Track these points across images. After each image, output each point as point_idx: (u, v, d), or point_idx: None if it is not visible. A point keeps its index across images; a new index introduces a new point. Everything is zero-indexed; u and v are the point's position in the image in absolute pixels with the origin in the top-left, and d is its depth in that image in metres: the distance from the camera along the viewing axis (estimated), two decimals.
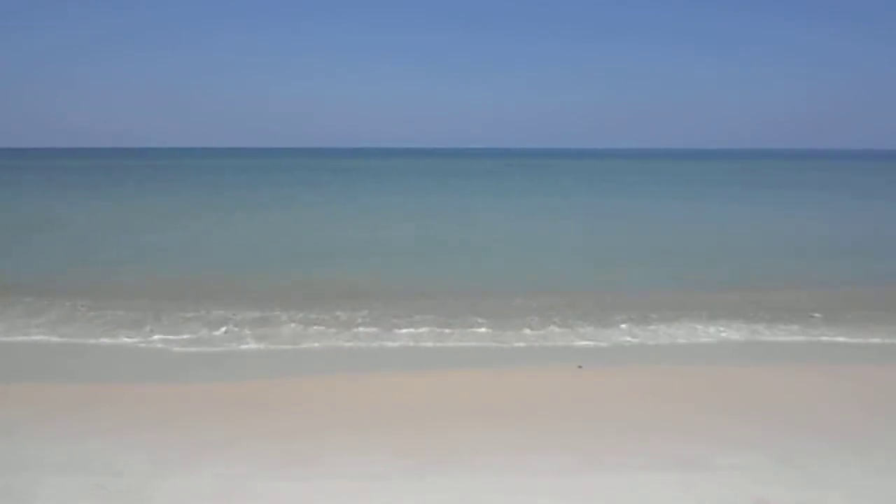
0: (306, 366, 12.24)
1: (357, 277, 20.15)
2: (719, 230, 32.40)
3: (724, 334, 14.18)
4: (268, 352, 13.06)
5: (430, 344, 13.52)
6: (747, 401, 10.16)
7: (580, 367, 12.06)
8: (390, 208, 42.84)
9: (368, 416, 9.53)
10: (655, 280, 19.81)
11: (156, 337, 13.77)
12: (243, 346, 13.30)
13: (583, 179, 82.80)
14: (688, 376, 11.56)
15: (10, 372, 11.77)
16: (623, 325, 14.70)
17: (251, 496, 7.09)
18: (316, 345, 13.46)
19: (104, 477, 7.45)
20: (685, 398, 10.35)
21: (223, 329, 14.35)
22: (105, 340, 13.57)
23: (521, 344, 13.50)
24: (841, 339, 13.82)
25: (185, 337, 13.79)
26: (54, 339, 13.68)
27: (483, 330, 14.36)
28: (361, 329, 14.43)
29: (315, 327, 14.56)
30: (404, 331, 14.26)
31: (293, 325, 14.73)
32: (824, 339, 13.82)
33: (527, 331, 14.29)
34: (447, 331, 14.26)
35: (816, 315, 15.50)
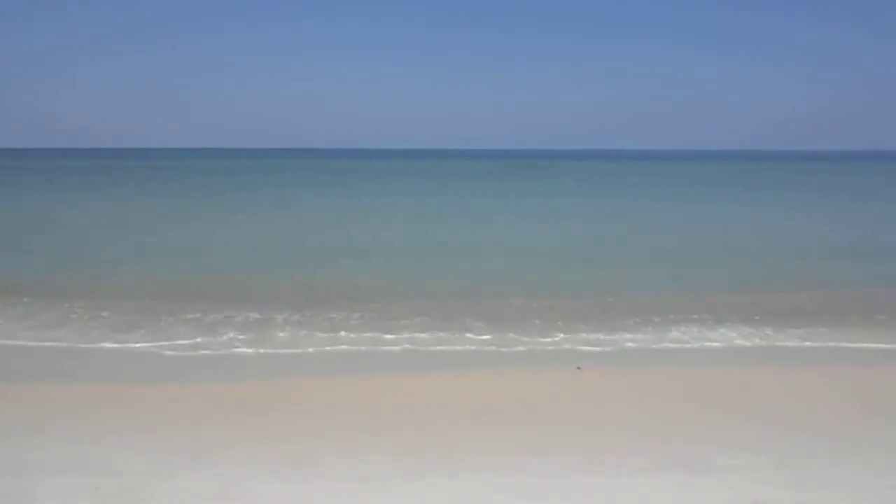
0: (306, 366, 12.24)
1: (357, 278, 20.16)
2: (721, 232, 32.39)
3: (727, 337, 14.12)
4: (267, 353, 13.05)
5: (430, 345, 13.51)
6: (747, 401, 10.16)
7: (579, 368, 12.06)
8: (390, 209, 42.83)
9: (368, 417, 9.53)
10: (657, 282, 19.80)
11: (155, 338, 13.77)
12: (243, 347, 13.29)
13: (583, 180, 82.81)
14: (688, 377, 11.56)
15: (10, 373, 11.77)
16: (626, 328, 14.68)
17: (251, 496, 7.08)
18: (316, 346, 13.45)
19: (104, 477, 7.45)
20: (685, 398, 10.35)
21: (223, 330, 14.34)
22: (104, 341, 13.57)
23: (522, 348, 13.47)
24: (845, 344, 13.64)
25: (184, 338, 13.78)
26: (53, 340, 13.67)
27: (483, 332, 14.34)
28: (361, 330, 14.43)
29: (315, 328, 14.56)
30: (404, 332, 14.25)
31: (293, 326, 14.73)
32: (830, 344, 13.63)
33: (527, 334, 14.26)
34: (447, 333, 14.25)
35: (816, 317, 15.51)
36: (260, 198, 52.46)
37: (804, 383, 11.13)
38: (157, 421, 9.32)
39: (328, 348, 13.31)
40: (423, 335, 14.06)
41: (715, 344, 13.70)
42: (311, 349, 13.26)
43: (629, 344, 13.66)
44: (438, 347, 13.36)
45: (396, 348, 13.33)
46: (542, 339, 13.83)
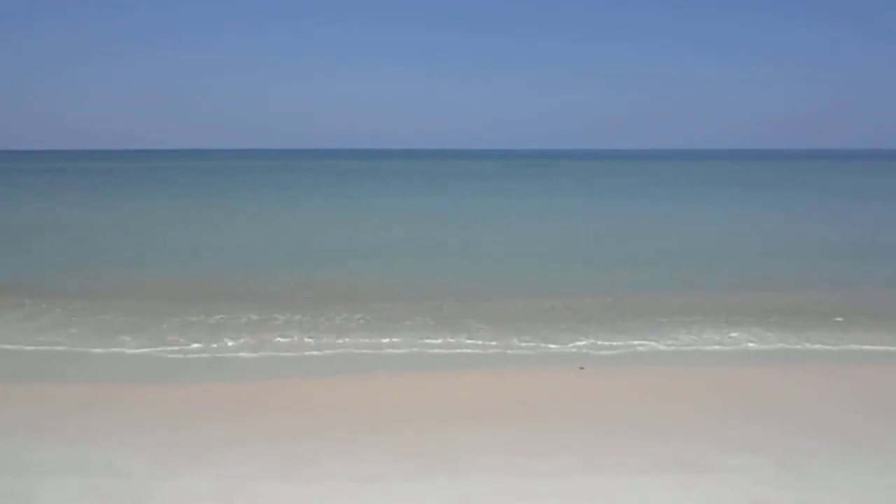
0: (306, 367, 12.25)
1: (357, 279, 20.16)
2: (721, 231, 32.38)
3: (727, 338, 14.06)
4: (267, 353, 13.05)
5: (430, 346, 13.50)
6: (747, 401, 10.16)
7: (582, 368, 12.06)
8: (390, 209, 42.84)
9: (368, 417, 9.53)
10: (657, 282, 19.78)
11: (155, 338, 13.77)
12: (243, 348, 13.29)
13: (583, 180, 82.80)
14: (688, 377, 11.56)
15: (10, 373, 11.78)
16: (626, 328, 14.65)
17: (251, 497, 7.08)
18: (316, 346, 13.45)
19: (104, 478, 7.45)
20: (685, 398, 10.35)
21: (223, 330, 14.35)
22: (105, 342, 13.56)
23: (522, 348, 13.45)
24: (850, 346, 13.46)
25: (185, 338, 13.78)
26: (53, 340, 13.66)
27: (483, 332, 14.33)
28: (361, 330, 14.43)
29: (315, 328, 14.56)
30: (404, 333, 14.24)
31: (293, 326, 14.72)
32: (832, 347, 13.44)
33: (527, 334, 14.23)
34: (447, 333, 14.23)
35: (817, 318, 15.50)
36: (260, 198, 52.48)
37: (805, 383, 11.13)
38: (157, 421, 9.32)
39: (328, 349, 13.31)
40: (423, 335, 14.05)
41: (715, 346, 13.64)
42: (311, 350, 13.26)
43: (630, 344, 13.63)
44: (438, 348, 13.35)
45: (396, 349, 13.32)
46: (543, 340, 13.81)
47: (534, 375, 11.72)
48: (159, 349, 13.17)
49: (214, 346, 13.36)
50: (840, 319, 15.30)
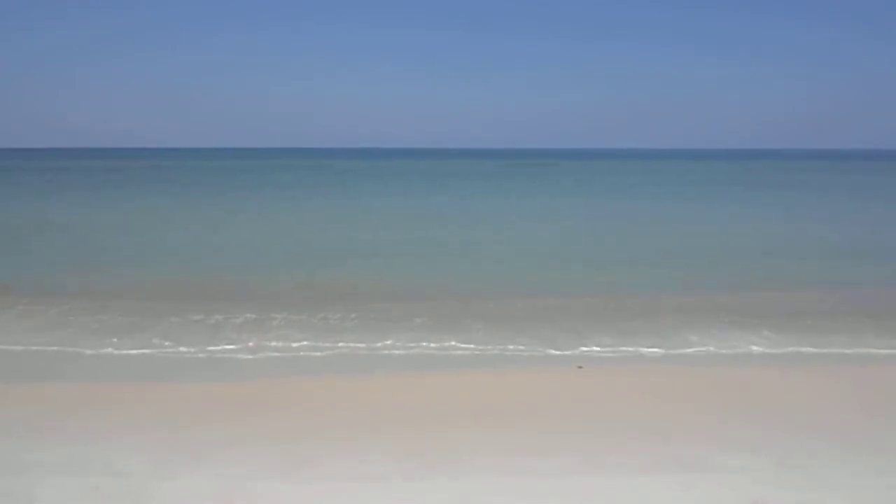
0: (306, 367, 12.24)
1: (357, 279, 20.16)
2: (721, 231, 32.38)
3: (728, 338, 14.01)
4: (267, 353, 13.05)
5: (430, 346, 13.49)
6: (747, 401, 10.16)
7: (580, 367, 12.06)
8: (390, 209, 42.83)
9: (368, 417, 9.53)
10: (658, 282, 19.79)
11: (155, 338, 13.77)
12: (243, 348, 13.29)
13: (583, 180, 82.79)
14: (688, 377, 11.56)
15: (10, 373, 11.78)
16: (626, 329, 14.66)
17: (251, 497, 7.08)
18: (315, 346, 13.45)
19: (104, 478, 7.45)
20: (685, 398, 10.35)
21: (223, 330, 14.35)
22: (105, 341, 13.56)
23: (522, 348, 13.44)
24: (851, 350, 13.32)
25: (184, 338, 13.77)
26: (53, 340, 13.66)
27: (483, 332, 14.32)
28: (361, 330, 14.43)
29: (315, 328, 14.56)
30: (404, 333, 14.24)
31: (293, 326, 14.72)
32: (832, 350, 13.23)
33: (527, 334, 14.21)
34: (447, 333, 14.22)
35: (817, 319, 15.49)
36: (260, 197, 52.47)
37: (804, 383, 11.13)
38: (157, 421, 9.32)
39: (328, 349, 13.31)
40: (422, 335, 14.04)
41: (715, 346, 13.63)
42: (310, 350, 13.26)
43: (630, 345, 13.62)
44: (438, 348, 13.34)
45: (396, 348, 13.32)
46: (543, 340, 13.80)
47: (534, 375, 11.72)
48: (159, 349, 13.16)
49: (214, 346, 13.36)
50: (840, 320, 15.30)
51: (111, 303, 16.44)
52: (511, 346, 13.40)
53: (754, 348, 13.39)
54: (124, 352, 13.02)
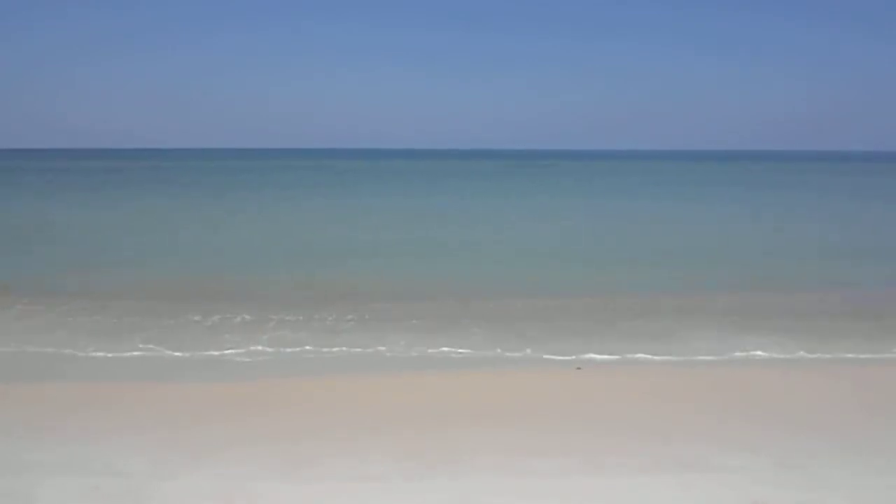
0: (306, 367, 12.24)
1: (357, 279, 20.16)
2: (721, 232, 32.37)
3: (730, 339, 13.97)
4: (267, 353, 13.05)
5: (430, 346, 13.49)
6: (747, 401, 10.16)
7: (579, 368, 12.06)
8: (390, 209, 42.84)
9: (368, 417, 9.53)
10: (658, 283, 19.79)
11: (155, 338, 13.77)
12: (243, 348, 13.29)
13: (583, 180, 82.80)
14: (688, 377, 11.56)
15: (10, 373, 11.78)
16: (626, 329, 14.67)
17: (251, 497, 7.08)
18: (315, 346, 13.44)
19: (104, 478, 7.45)
20: (685, 398, 10.35)
21: (223, 330, 14.36)
22: (104, 342, 13.56)
23: (521, 348, 13.44)
24: (853, 346, 13.33)
25: (184, 338, 13.78)
26: (53, 340, 13.66)
27: (483, 333, 14.33)
28: (361, 330, 14.44)
29: (315, 328, 14.57)
30: (404, 333, 14.24)
31: (293, 326, 14.73)
32: (830, 356, 12.99)
33: (527, 335, 14.21)
34: (447, 333, 14.23)
35: (818, 319, 15.49)
36: (260, 198, 52.48)
37: (804, 383, 11.13)
38: (157, 421, 9.32)
39: (328, 349, 13.31)
40: (422, 335, 14.04)
41: (714, 346, 13.63)
42: (310, 349, 13.26)
43: (630, 345, 13.61)
44: (438, 348, 13.35)
45: (396, 348, 13.32)
46: (543, 341, 13.80)
47: (534, 375, 11.72)
48: (159, 349, 13.16)
49: (214, 346, 13.36)
50: (840, 320, 15.30)
51: (111, 303, 16.44)
52: (511, 347, 13.39)
53: (754, 349, 13.38)
54: (124, 352, 13.02)
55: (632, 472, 7.68)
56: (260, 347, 13.30)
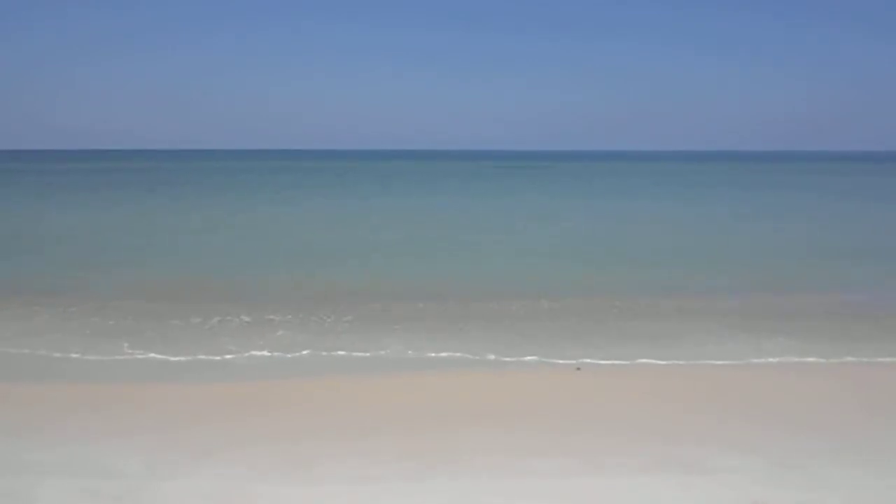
0: (306, 367, 12.23)
1: (357, 279, 20.16)
2: (721, 233, 32.42)
3: (729, 340, 13.95)
4: (267, 353, 13.04)
5: (429, 346, 13.48)
6: (747, 401, 10.16)
7: (579, 368, 12.05)
8: (390, 209, 42.85)
9: (368, 418, 9.52)
10: (658, 283, 19.77)
11: (155, 339, 13.76)
12: (243, 348, 13.28)
13: (583, 181, 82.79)
14: (688, 377, 11.56)
15: (11, 373, 11.77)
16: (626, 329, 14.67)
17: (251, 497, 7.07)
18: (315, 346, 13.44)
19: (104, 479, 7.45)
20: (685, 399, 10.34)
21: (223, 331, 14.35)
22: (104, 342, 13.56)
23: (521, 348, 13.43)
24: (853, 347, 13.29)
25: (185, 339, 13.78)
26: (53, 341, 13.65)
27: (482, 333, 14.33)
28: (361, 331, 14.42)
29: (315, 329, 14.56)
30: (404, 333, 14.24)
31: (293, 326, 14.72)
32: (832, 352, 13.02)
33: (527, 335, 14.23)
34: (447, 333, 14.22)
35: (818, 320, 15.49)
36: (260, 198, 52.48)
37: (804, 383, 11.12)
38: (157, 422, 9.31)
39: (328, 349, 13.30)
40: (422, 336, 14.04)
41: (714, 346, 13.63)
42: (310, 350, 13.25)
43: (630, 345, 13.61)
44: (438, 348, 13.33)
45: (396, 349, 13.31)
46: (542, 341, 13.79)
47: (534, 376, 11.71)
48: (159, 349, 13.15)
49: (214, 346, 13.35)
50: (839, 320, 15.29)
51: (111, 304, 16.44)
52: (511, 347, 13.37)
53: (754, 350, 13.37)
54: (124, 353, 13.01)
55: (632, 472, 7.68)
56: (259, 348, 13.29)
